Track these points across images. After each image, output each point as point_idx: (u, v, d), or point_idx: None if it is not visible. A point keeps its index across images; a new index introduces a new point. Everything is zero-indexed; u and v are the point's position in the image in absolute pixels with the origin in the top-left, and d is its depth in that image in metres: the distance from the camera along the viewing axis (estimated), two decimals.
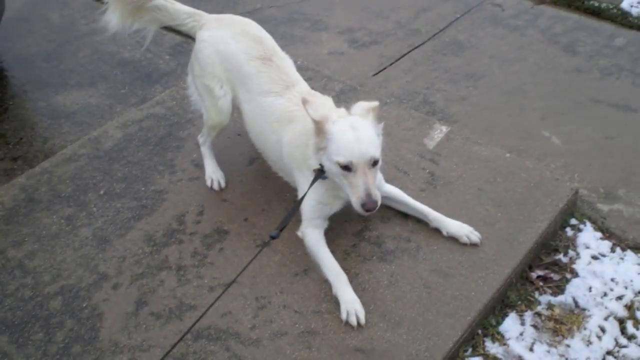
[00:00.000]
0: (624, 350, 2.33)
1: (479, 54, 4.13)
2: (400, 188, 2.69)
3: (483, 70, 3.97)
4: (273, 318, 2.30)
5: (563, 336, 2.36)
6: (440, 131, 3.15)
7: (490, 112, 3.58)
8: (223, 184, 2.88)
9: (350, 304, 2.27)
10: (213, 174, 2.89)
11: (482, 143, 3.09)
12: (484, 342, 2.33)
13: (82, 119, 3.59)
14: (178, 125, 3.29)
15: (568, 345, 2.32)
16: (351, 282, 2.36)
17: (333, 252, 2.45)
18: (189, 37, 3.01)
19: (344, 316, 2.26)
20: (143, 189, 2.90)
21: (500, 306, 2.46)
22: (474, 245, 2.53)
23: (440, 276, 2.42)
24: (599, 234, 2.77)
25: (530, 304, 2.48)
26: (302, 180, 2.44)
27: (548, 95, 3.73)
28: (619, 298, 2.50)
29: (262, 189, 2.86)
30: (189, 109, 3.21)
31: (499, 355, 2.29)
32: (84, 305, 2.38)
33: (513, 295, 2.50)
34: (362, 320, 2.25)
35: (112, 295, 2.41)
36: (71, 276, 2.49)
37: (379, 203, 2.16)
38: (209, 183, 2.88)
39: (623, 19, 4.45)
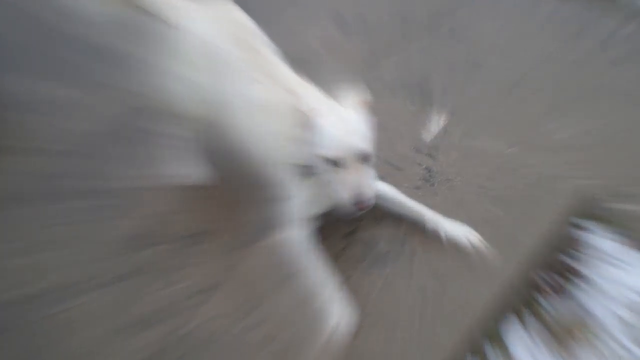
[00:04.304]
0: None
1: (478, 44, 4.03)
2: (394, 186, 2.62)
3: (482, 60, 3.87)
4: (260, 322, 2.24)
5: (568, 343, 2.28)
6: (437, 124, 3.10)
7: (490, 105, 3.48)
8: (206, 182, 2.78)
9: (341, 310, 2.21)
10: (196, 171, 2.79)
11: (482, 137, 3.02)
12: (484, 348, 2.26)
13: (54, 112, 3.41)
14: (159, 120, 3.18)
15: (573, 353, 2.25)
16: (341, 286, 2.29)
17: (322, 254, 2.36)
18: None
19: (334, 322, 2.19)
20: (121, 186, 2.79)
21: (501, 311, 2.37)
22: (473, 246, 2.47)
23: (437, 279, 2.36)
24: (608, 235, 2.68)
25: (534, 308, 2.41)
26: (289, 177, 2.35)
27: (552, 86, 3.63)
28: (629, 303, 2.42)
29: (248, 187, 2.74)
30: None
31: None
32: (58, 310, 2.29)
33: (515, 299, 2.41)
34: (354, 326, 2.19)
35: (89, 300, 2.32)
36: (44, 280, 2.39)
37: (372, 201, 2.08)
38: (191, 181, 2.78)
39: (632, 6, 4.33)
